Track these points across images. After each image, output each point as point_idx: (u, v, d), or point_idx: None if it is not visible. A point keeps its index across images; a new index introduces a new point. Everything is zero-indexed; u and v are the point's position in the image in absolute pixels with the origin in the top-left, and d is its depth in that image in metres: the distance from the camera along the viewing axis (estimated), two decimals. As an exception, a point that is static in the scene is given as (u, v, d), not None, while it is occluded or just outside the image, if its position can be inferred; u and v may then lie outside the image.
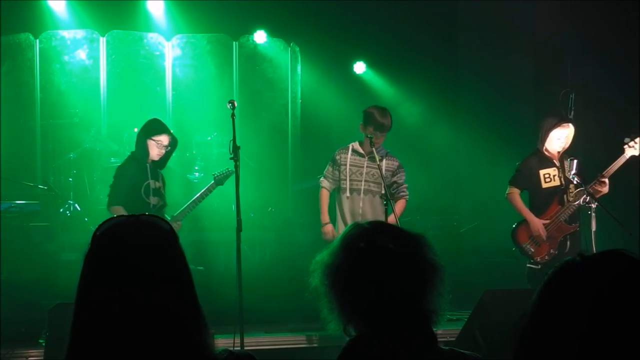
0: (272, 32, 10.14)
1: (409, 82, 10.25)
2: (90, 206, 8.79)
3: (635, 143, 6.08)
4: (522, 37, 10.34)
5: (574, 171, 6.06)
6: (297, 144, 10.45)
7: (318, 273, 1.97)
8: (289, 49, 10.37)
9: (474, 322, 5.10)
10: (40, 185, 8.11)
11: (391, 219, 5.95)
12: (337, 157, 6.35)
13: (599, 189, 6.15)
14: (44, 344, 5.79)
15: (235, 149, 5.74)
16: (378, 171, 6.19)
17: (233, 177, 5.91)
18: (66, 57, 9.71)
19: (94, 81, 9.73)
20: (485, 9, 10.10)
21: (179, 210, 6.67)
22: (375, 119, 6.17)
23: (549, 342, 1.37)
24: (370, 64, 10.48)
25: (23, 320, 6.54)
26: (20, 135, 9.36)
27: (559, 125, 6.29)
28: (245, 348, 5.64)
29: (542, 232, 6.26)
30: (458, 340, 5.25)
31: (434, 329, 1.95)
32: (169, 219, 6.48)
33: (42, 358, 5.80)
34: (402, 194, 6.34)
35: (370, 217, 6.15)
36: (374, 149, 6.10)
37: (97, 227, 1.78)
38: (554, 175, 6.34)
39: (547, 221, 6.30)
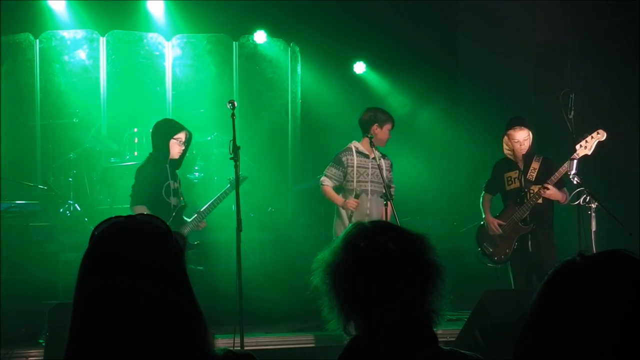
0: (272, 32, 10.14)
1: (408, 82, 10.25)
2: (90, 206, 8.79)
3: (587, 142, 6.04)
4: (522, 37, 10.34)
5: (573, 171, 6.05)
6: (297, 144, 10.45)
7: (319, 272, 1.97)
8: (289, 49, 10.37)
9: (474, 322, 5.10)
10: (40, 185, 8.11)
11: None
12: (344, 159, 6.32)
13: (543, 194, 6.12)
14: (44, 344, 5.79)
15: (235, 149, 5.73)
16: (379, 171, 6.25)
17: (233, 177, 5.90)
18: (66, 57, 9.70)
19: (94, 81, 9.73)
20: (486, 10, 10.10)
21: (202, 208, 6.55)
22: (388, 117, 6.31)
23: (548, 341, 1.37)
24: (370, 64, 10.48)
25: (23, 320, 6.54)
26: (20, 135, 9.35)
27: (511, 129, 6.31)
28: (245, 348, 5.64)
29: (495, 230, 6.41)
30: (458, 340, 5.26)
31: (434, 329, 1.95)
32: (195, 216, 6.47)
33: (42, 358, 5.80)
34: (393, 194, 6.38)
35: (375, 216, 6.27)
36: (375, 148, 6.22)
37: (95, 226, 1.79)
38: (514, 178, 6.42)
39: (503, 222, 6.40)
